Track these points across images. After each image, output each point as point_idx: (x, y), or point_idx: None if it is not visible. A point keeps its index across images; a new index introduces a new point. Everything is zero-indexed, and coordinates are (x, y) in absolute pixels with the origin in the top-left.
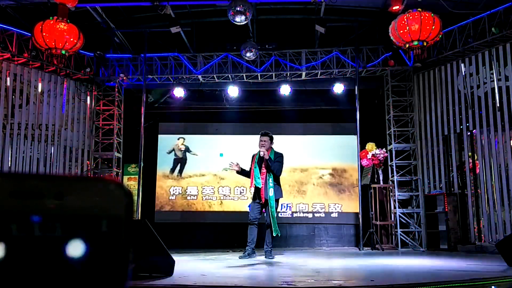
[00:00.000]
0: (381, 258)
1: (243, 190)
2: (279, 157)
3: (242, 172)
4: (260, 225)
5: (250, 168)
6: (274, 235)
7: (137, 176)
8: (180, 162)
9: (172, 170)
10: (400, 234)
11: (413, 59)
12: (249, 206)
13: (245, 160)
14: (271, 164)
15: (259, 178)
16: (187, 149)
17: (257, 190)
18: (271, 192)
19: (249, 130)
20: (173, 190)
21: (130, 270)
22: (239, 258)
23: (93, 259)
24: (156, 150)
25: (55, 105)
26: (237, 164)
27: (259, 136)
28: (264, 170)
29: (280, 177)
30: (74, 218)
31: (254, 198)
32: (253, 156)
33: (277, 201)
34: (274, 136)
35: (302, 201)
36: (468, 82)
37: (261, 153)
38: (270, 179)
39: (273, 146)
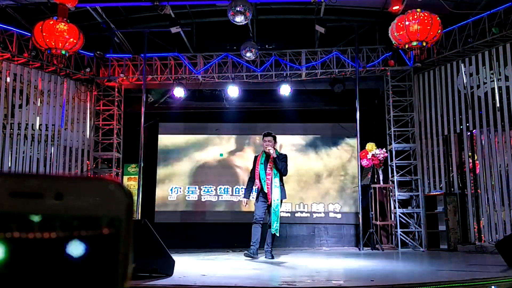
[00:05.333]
0: (381, 258)
1: (243, 190)
2: (283, 158)
3: (249, 192)
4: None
5: (254, 169)
6: (272, 233)
7: (137, 176)
8: None
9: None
10: (400, 234)
11: (413, 59)
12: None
13: (244, 160)
14: (278, 163)
15: (264, 181)
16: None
17: (263, 192)
18: (276, 193)
19: (249, 130)
20: (173, 190)
21: (130, 270)
22: (244, 254)
23: (93, 260)
24: (156, 150)
25: (55, 105)
26: (247, 202)
27: (262, 137)
28: (269, 172)
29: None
30: (74, 218)
31: (258, 198)
32: (256, 158)
33: (280, 201)
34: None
35: (302, 201)
36: (468, 82)
37: (270, 151)
38: (276, 179)
39: (276, 146)
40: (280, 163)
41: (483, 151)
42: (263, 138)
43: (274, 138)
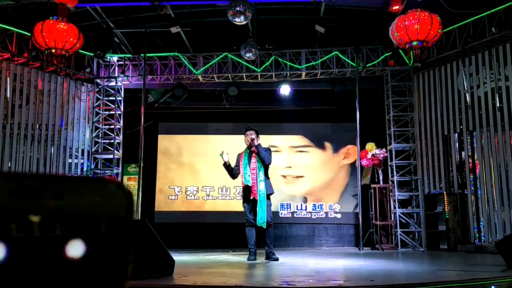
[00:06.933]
0: (381, 258)
1: (242, 190)
2: (267, 150)
3: (228, 167)
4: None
5: (238, 166)
6: (258, 225)
7: (137, 176)
8: None
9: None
10: (400, 234)
11: (413, 59)
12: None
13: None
14: (261, 150)
15: (249, 176)
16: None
17: (247, 189)
18: (261, 186)
19: None
20: (173, 190)
21: (130, 270)
22: (248, 260)
23: (93, 259)
24: (156, 150)
25: (55, 105)
26: (228, 153)
27: (244, 132)
28: (254, 166)
29: (279, 177)
30: (74, 218)
31: (246, 198)
32: (239, 155)
33: (268, 197)
34: (274, 136)
35: (302, 201)
36: (468, 82)
37: (252, 137)
38: (261, 172)
39: (260, 141)
40: (263, 151)
41: (483, 151)
42: (245, 133)
43: (257, 133)
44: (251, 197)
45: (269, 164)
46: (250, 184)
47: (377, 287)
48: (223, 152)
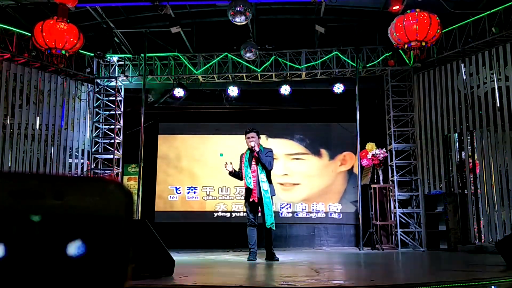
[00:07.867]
0: (381, 258)
1: (242, 190)
2: (269, 152)
3: (234, 173)
4: (259, 226)
5: (240, 168)
6: (268, 227)
7: (137, 176)
8: None
9: None
10: (400, 234)
11: (413, 59)
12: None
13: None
14: (262, 157)
15: (250, 178)
16: None
17: (248, 190)
18: (265, 187)
19: None
20: (173, 190)
21: (130, 270)
22: (248, 260)
23: (93, 259)
24: (156, 150)
25: (55, 105)
26: (231, 163)
27: (244, 134)
28: (254, 168)
29: (280, 177)
30: (74, 218)
31: (247, 199)
32: (241, 156)
33: (271, 197)
34: (273, 136)
35: (302, 201)
36: (468, 82)
37: (252, 145)
38: (262, 174)
39: (261, 142)
40: (263, 158)
41: (483, 151)
42: (245, 135)
43: (257, 134)
44: (251, 200)
45: (271, 170)
46: (251, 187)
47: (377, 287)
48: (226, 163)
